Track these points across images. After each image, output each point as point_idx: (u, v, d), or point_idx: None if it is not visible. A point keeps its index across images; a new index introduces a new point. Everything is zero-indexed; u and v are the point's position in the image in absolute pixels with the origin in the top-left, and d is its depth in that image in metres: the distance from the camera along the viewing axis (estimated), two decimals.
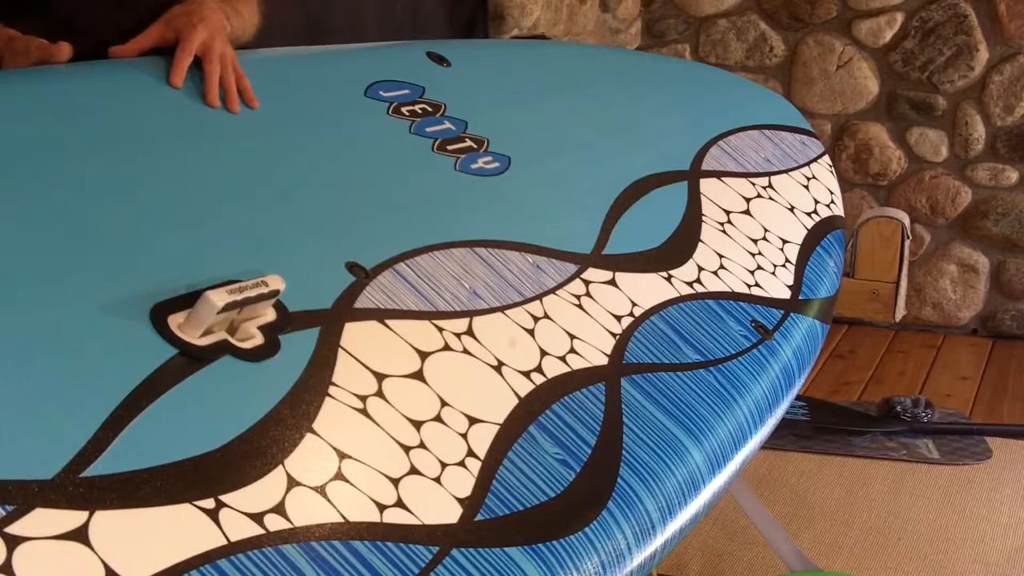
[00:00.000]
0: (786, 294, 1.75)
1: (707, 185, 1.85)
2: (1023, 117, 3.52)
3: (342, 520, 1.04)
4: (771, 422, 1.55)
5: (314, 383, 1.14)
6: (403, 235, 1.39)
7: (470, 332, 1.31)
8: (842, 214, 2.05)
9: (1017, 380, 3.38)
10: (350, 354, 1.19)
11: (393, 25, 2.73)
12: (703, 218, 1.77)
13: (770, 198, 1.92)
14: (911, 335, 3.70)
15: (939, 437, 2.92)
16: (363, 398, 1.16)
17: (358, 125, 1.57)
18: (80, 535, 0.91)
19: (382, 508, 1.08)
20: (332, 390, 1.14)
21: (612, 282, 1.53)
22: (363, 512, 1.06)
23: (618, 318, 1.47)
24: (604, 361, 1.40)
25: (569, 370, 1.35)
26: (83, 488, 0.94)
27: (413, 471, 1.12)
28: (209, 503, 0.98)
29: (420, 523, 1.08)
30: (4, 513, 0.89)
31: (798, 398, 2.84)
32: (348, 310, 1.24)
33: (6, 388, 0.98)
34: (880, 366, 3.48)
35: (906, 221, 3.36)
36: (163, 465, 0.99)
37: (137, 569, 0.91)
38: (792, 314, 1.71)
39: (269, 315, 1.17)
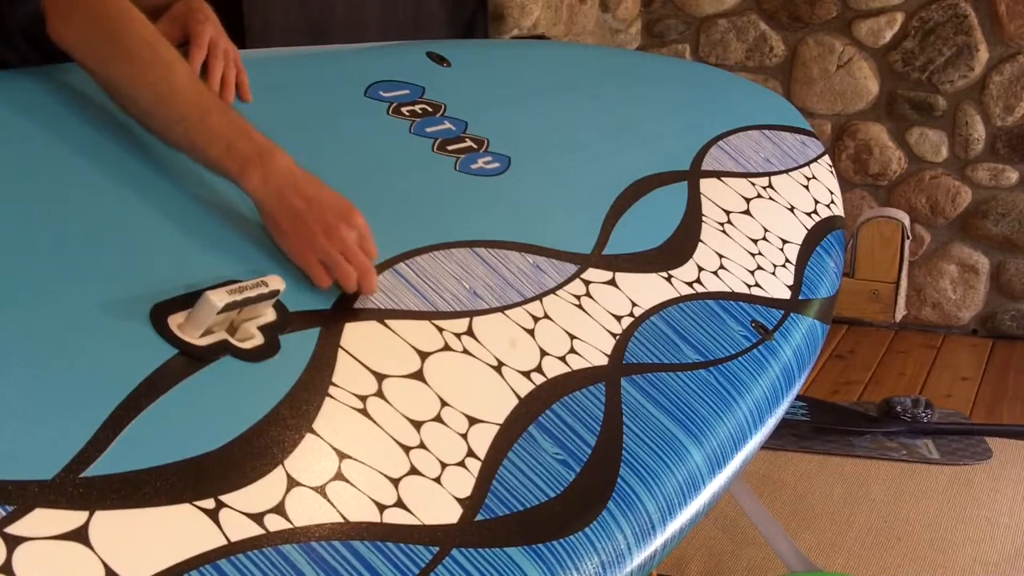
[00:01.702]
0: (786, 294, 1.74)
1: (707, 185, 1.85)
2: (1023, 117, 3.52)
3: (342, 520, 1.04)
4: (771, 422, 1.55)
5: (314, 383, 1.14)
6: (403, 235, 1.39)
7: (470, 332, 1.31)
8: (842, 214, 2.05)
9: (1017, 380, 3.38)
10: (350, 354, 1.19)
11: (393, 25, 2.73)
12: (703, 218, 1.77)
13: (770, 198, 1.92)
14: (911, 335, 3.70)
15: (939, 437, 2.92)
16: (363, 398, 1.16)
17: (358, 125, 1.57)
18: (80, 535, 0.91)
19: (382, 508, 1.08)
20: (332, 390, 1.14)
21: (612, 282, 1.53)
22: (363, 512, 1.06)
23: (618, 318, 1.47)
24: (604, 361, 1.40)
25: (569, 370, 1.35)
26: (83, 488, 0.94)
27: (413, 471, 1.12)
28: (209, 503, 0.98)
29: (420, 523, 1.08)
30: (4, 513, 0.89)
31: (798, 398, 2.84)
32: (348, 310, 1.24)
33: (6, 388, 0.98)
34: (880, 366, 3.48)
35: (906, 221, 3.36)
36: (163, 465, 0.99)
37: (137, 569, 0.91)
38: (792, 314, 1.71)
39: (269, 315, 1.17)
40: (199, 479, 1.00)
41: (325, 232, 1.24)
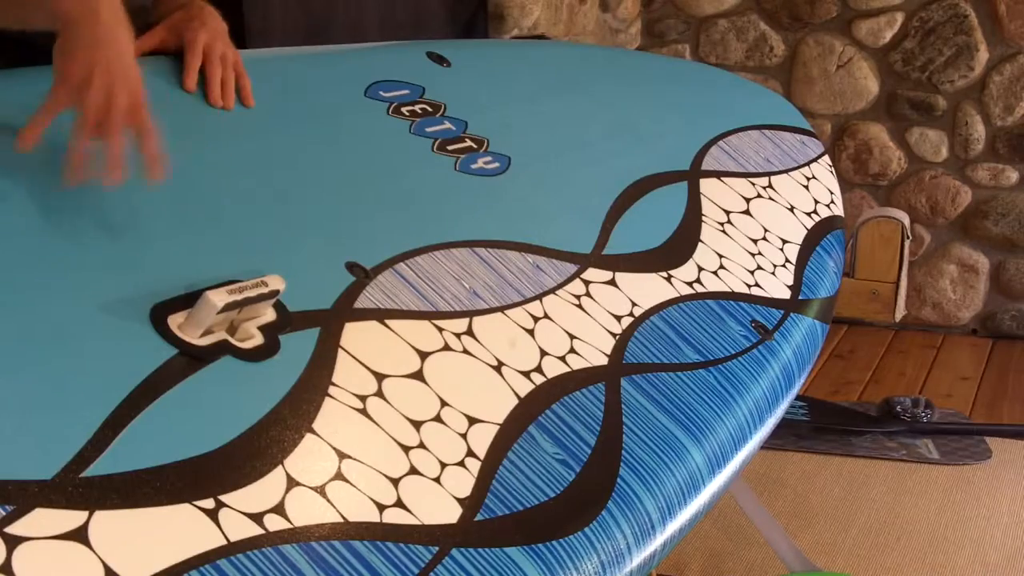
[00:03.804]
0: (786, 294, 1.75)
1: (707, 185, 1.85)
2: (1023, 117, 3.52)
3: (342, 520, 1.04)
4: (771, 422, 1.55)
5: (314, 383, 1.14)
6: (403, 235, 1.39)
7: (470, 332, 1.31)
8: (842, 214, 2.05)
9: (1017, 380, 3.38)
10: (350, 354, 1.19)
11: (394, 25, 2.73)
12: (703, 218, 1.77)
13: (770, 198, 1.92)
14: (911, 335, 3.70)
15: (939, 437, 2.92)
16: (363, 398, 1.16)
17: (358, 125, 1.57)
18: (80, 535, 0.91)
19: (382, 508, 1.08)
20: (332, 390, 1.14)
21: (612, 282, 1.53)
22: (363, 512, 1.06)
23: (618, 318, 1.47)
24: (604, 361, 1.40)
25: (569, 370, 1.35)
26: (83, 488, 0.94)
27: (413, 471, 1.13)
28: (209, 503, 0.98)
29: (420, 523, 1.08)
30: (4, 513, 0.89)
31: (798, 398, 2.84)
32: (348, 310, 1.24)
33: (6, 388, 0.98)
34: (880, 366, 3.48)
35: (906, 221, 3.36)
36: (163, 465, 0.99)
37: (137, 569, 0.91)
38: (792, 314, 1.71)
39: (269, 315, 1.17)
40: (199, 479, 1.00)
41: (103, 78, 1.18)
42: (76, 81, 1.18)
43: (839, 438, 2.91)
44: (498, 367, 1.29)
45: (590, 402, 1.33)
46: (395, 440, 1.14)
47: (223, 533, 0.97)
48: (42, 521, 0.90)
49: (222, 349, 1.11)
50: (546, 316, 1.41)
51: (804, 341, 1.70)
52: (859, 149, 3.68)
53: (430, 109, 1.66)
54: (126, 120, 1.19)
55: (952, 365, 3.49)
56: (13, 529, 0.89)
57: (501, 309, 1.37)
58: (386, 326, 1.25)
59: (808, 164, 2.09)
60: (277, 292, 1.16)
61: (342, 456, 1.09)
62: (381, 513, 1.07)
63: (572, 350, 1.38)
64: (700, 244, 1.71)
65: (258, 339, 1.14)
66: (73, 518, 0.92)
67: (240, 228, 1.27)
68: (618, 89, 2.04)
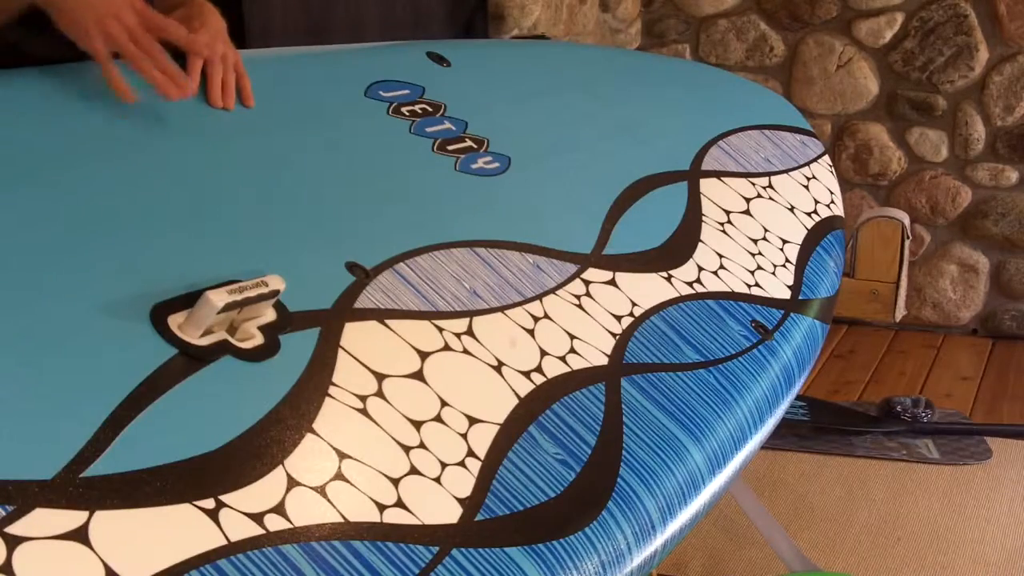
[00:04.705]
0: (786, 294, 1.74)
1: (707, 185, 1.85)
2: (1023, 117, 3.52)
3: (342, 520, 1.04)
4: (771, 422, 1.55)
5: (314, 383, 1.14)
6: (403, 235, 1.39)
7: (470, 332, 1.31)
8: (842, 214, 2.05)
9: (1017, 380, 3.38)
10: (350, 354, 1.19)
11: (393, 24, 2.73)
12: (703, 218, 1.77)
13: (770, 198, 1.92)
14: (911, 335, 3.70)
15: (939, 437, 2.92)
16: (363, 398, 1.16)
17: (358, 125, 1.57)
18: (80, 535, 0.91)
19: (382, 508, 1.08)
20: (332, 390, 1.14)
21: (612, 282, 1.53)
22: (363, 512, 1.06)
23: (618, 318, 1.47)
24: (604, 361, 1.40)
25: (569, 370, 1.35)
26: (83, 488, 0.94)
27: (413, 471, 1.13)
28: (209, 503, 0.98)
29: (420, 523, 1.08)
30: (4, 513, 0.89)
31: (798, 398, 2.84)
32: (348, 310, 1.24)
33: (6, 388, 0.98)
34: (880, 366, 3.48)
35: (906, 221, 3.35)
36: (163, 465, 0.99)
37: (137, 569, 0.91)
38: (792, 314, 1.71)
39: (269, 315, 1.17)
40: (199, 479, 1.00)
41: (103, 15, 1.29)
42: (93, 32, 1.29)
43: (839, 438, 2.90)
44: (498, 367, 1.29)
45: (590, 402, 1.33)
46: (395, 440, 1.14)
47: (223, 533, 0.97)
48: (42, 521, 0.90)
49: (222, 349, 1.11)
50: (546, 316, 1.41)
51: (804, 341, 1.70)
52: (859, 149, 3.68)
53: (430, 109, 1.66)
54: (151, 32, 1.33)
55: (952, 365, 3.49)
56: (13, 529, 0.89)
57: (501, 309, 1.37)
58: (386, 326, 1.25)
59: (808, 164, 2.09)
60: (277, 292, 1.16)
61: (342, 456, 1.09)
62: (381, 513, 1.07)
63: (572, 350, 1.38)
64: (700, 244, 1.71)
65: (258, 339, 1.14)
66: (73, 518, 0.92)
67: (240, 228, 1.27)
68: (618, 89, 2.04)
